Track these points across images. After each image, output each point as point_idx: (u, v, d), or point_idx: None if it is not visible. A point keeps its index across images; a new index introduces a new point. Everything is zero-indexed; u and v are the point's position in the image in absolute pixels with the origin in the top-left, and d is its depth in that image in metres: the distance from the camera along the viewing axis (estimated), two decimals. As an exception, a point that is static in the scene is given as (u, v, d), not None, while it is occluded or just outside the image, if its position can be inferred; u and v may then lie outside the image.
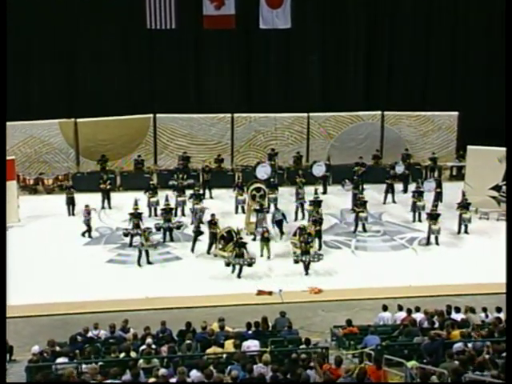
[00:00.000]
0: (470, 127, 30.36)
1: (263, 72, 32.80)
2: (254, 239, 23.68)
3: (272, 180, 26.76)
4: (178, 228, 24.18)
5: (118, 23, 31.37)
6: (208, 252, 22.93)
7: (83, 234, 24.35)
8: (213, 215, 23.43)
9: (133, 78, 31.98)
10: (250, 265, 21.79)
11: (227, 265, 21.86)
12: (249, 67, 32.90)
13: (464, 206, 24.84)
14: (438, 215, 23.94)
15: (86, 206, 24.30)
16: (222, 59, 32.41)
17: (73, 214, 26.06)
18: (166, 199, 24.77)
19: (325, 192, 27.88)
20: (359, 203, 24.98)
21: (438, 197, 26.90)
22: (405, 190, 28.52)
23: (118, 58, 31.66)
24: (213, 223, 23.03)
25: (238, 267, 21.69)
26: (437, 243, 23.81)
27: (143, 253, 22.34)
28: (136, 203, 24.06)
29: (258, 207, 24.47)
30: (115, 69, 31.65)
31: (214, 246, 22.87)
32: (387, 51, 33.22)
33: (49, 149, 29.60)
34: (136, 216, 23.58)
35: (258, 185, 25.50)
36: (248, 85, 32.98)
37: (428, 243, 23.83)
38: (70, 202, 26.09)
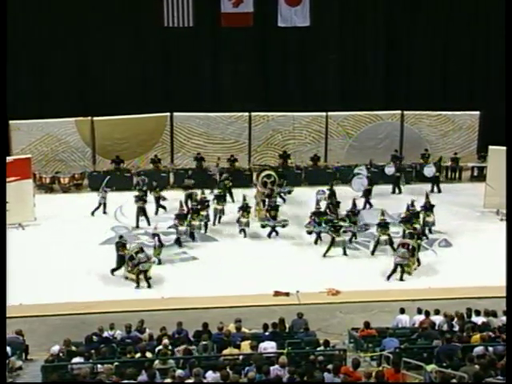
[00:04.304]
0: (492, 127, 29.92)
1: (281, 70, 32.56)
2: (263, 226, 23.67)
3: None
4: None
5: (133, 21, 31.21)
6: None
7: (93, 213, 25.62)
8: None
9: (149, 77, 31.88)
10: (283, 226, 23.10)
11: (263, 227, 23.11)
12: (266, 65, 32.66)
13: (428, 208, 24.29)
14: (433, 206, 23.91)
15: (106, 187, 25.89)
16: (240, 57, 32.17)
17: (104, 213, 26.09)
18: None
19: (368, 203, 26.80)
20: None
21: (436, 180, 27.81)
22: (393, 191, 28.34)
23: (134, 56, 31.51)
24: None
25: (269, 229, 22.97)
26: (427, 236, 23.74)
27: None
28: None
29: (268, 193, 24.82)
30: (131, 67, 31.52)
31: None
32: (406, 49, 32.87)
33: (65, 147, 29.52)
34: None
35: (269, 172, 25.43)
36: (266, 83, 32.70)
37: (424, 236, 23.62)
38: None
